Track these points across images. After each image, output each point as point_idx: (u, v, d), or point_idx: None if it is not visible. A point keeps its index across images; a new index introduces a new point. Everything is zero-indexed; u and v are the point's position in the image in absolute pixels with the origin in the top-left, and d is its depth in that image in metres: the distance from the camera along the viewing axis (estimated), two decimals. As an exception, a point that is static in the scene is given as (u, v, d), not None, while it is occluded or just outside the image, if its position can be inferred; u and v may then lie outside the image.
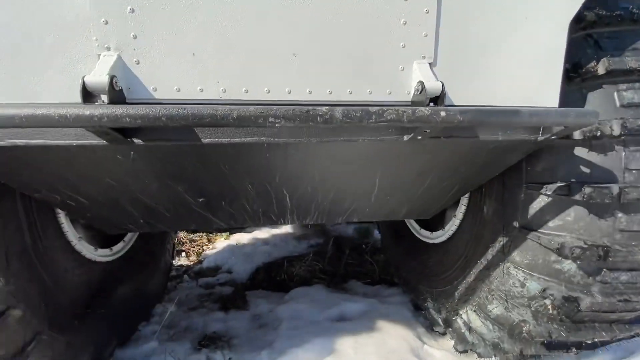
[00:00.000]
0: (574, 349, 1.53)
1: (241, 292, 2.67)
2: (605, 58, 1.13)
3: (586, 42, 1.23)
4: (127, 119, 0.71)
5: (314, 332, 2.00)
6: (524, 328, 1.42)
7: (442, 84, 0.89)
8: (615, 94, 1.16)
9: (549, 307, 1.30)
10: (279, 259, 3.19)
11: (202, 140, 0.89)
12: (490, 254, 1.51)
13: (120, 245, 2.01)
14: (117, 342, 1.84)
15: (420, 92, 0.90)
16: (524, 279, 1.35)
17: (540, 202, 1.26)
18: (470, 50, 0.96)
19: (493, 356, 1.68)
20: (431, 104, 0.92)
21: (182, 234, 4.14)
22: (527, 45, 0.98)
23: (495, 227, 1.47)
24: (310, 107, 0.78)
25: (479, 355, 1.75)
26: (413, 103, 0.94)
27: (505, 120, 0.86)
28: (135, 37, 0.82)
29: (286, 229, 4.52)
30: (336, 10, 0.88)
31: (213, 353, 1.81)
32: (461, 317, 1.78)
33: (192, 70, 0.86)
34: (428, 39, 0.93)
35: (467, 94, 0.97)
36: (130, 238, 2.14)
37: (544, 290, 1.29)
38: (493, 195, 1.47)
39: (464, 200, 1.81)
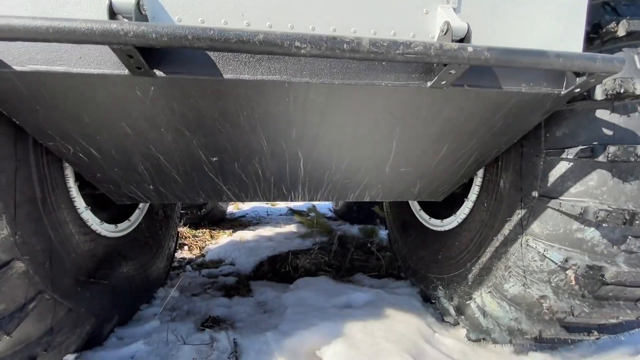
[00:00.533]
0: (595, 333, 1.46)
1: (245, 282, 2.60)
2: (625, 20, 1.13)
3: (604, 9, 1.24)
4: (153, 35, 0.70)
5: (320, 317, 1.93)
6: (544, 305, 1.37)
7: (468, 25, 0.88)
8: (636, 56, 1.15)
9: (572, 279, 1.25)
10: (283, 253, 3.13)
11: (224, 75, 0.87)
12: (507, 229, 1.47)
13: (125, 223, 1.97)
14: (118, 319, 1.77)
15: (446, 33, 0.89)
16: (544, 251, 1.31)
17: (560, 168, 1.24)
18: (493, -2, 0.96)
19: (509, 341, 1.61)
20: (456, 46, 0.90)
21: (185, 230, 4.10)
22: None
23: (512, 200, 1.44)
24: (337, 35, 0.77)
25: (494, 341, 1.68)
26: (438, 45, 0.93)
27: (531, 60, 0.85)
28: (162, -35, 0.82)
29: (290, 227, 4.47)
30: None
31: (217, 333, 1.74)
32: (475, 302, 1.71)
33: (216, 3, 0.85)
34: (452, -16, 0.93)
35: (491, 38, 0.96)
36: (136, 218, 2.11)
37: (566, 260, 1.25)
38: (510, 167, 1.45)
39: (477, 181, 1.78)
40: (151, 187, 1.48)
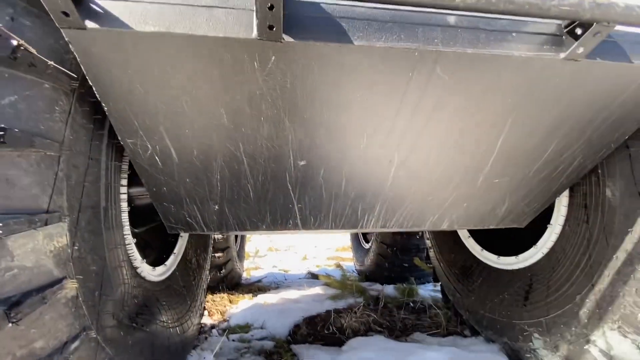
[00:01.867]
0: None
1: (285, 346, 2.20)
2: None
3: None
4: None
5: (396, 382, 1.55)
6: None
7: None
8: None
9: None
10: (322, 313, 2.73)
11: (354, 41, 0.80)
12: (629, 243, 1.26)
13: (162, 268, 1.73)
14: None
15: None
16: (695, 261, 1.09)
17: (691, 160, 1.11)
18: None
19: (657, 397, 1.25)
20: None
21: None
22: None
23: (628, 208, 1.27)
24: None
25: (636, 399, 1.31)
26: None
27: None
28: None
29: (315, 290, 4.04)
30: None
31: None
32: (595, 345, 1.39)
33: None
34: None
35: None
36: (171, 263, 1.87)
37: None
38: (617, 173, 1.31)
39: (563, 201, 1.62)
40: (216, 207, 1.30)
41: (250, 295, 3.84)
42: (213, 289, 3.86)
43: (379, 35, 0.82)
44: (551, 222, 1.70)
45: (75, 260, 0.91)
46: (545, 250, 1.71)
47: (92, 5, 0.73)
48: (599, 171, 1.38)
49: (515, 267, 1.90)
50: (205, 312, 3.13)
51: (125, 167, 1.26)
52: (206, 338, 2.29)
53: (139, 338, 1.26)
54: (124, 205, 1.26)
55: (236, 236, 4.51)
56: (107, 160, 1.05)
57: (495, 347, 1.97)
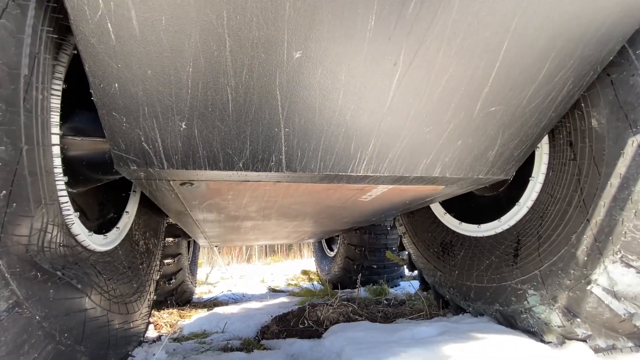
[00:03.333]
0: None
1: (255, 343, 1.84)
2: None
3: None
4: None
5: (394, 353, 1.32)
6: None
7: None
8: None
9: None
10: (294, 310, 2.40)
11: None
12: (621, 166, 1.26)
13: (100, 237, 1.38)
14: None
15: None
16: (690, 168, 1.10)
17: (671, 73, 1.15)
18: None
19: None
20: None
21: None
22: None
23: (616, 132, 1.28)
24: None
25: (645, 333, 1.24)
26: None
27: None
28: None
29: (281, 299, 3.64)
30: None
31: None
32: (597, 284, 1.33)
33: None
34: None
35: None
36: (115, 237, 1.51)
37: None
38: (601, 102, 1.34)
39: (544, 149, 1.63)
40: (183, 125, 1.05)
41: (206, 309, 3.33)
42: (160, 303, 3.28)
43: None
44: (532, 175, 1.70)
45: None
46: (530, 204, 1.68)
47: None
48: (582, 104, 1.41)
49: (500, 229, 1.84)
50: (151, 327, 2.60)
51: (60, 70, 0.96)
52: (154, 341, 1.84)
53: (68, 293, 0.90)
54: (55, 118, 0.95)
55: (188, 244, 3.99)
56: (36, 17, 0.77)
57: (485, 318, 1.84)
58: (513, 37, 1.07)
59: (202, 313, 3.06)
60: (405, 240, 2.77)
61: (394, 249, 3.77)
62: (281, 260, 13.17)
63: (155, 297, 3.01)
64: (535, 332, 1.60)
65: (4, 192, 0.68)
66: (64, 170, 1.00)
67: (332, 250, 4.76)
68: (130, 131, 1.02)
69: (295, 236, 3.89)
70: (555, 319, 1.49)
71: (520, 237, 1.71)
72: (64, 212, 1.03)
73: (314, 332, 1.97)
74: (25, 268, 0.74)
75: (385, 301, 2.96)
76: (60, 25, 0.87)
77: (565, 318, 1.45)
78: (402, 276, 4.05)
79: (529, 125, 1.40)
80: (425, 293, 2.62)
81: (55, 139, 0.92)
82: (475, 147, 1.42)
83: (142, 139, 1.05)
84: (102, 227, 1.56)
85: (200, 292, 5.51)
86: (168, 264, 3.22)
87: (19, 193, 0.72)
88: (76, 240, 1.14)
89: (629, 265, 1.24)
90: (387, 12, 0.92)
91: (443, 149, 1.39)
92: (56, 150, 0.94)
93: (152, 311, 3.09)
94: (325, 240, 5.09)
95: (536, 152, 1.68)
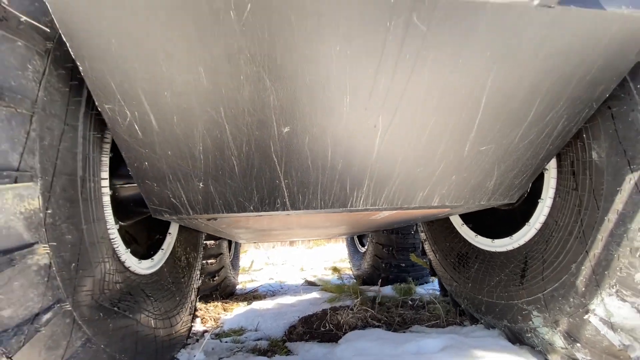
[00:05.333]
0: None
1: (280, 344, 2.11)
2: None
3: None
4: None
5: (395, 367, 1.49)
6: None
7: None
8: None
9: None
10: (318, 312, 2.65)
11: (329, -12, 0.81)
12: (619, 202, 1.25)
13: (148, 262, 1.68)
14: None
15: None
16: (685, 211, 1.08)
17: (671, 112, 1.12)
18: None
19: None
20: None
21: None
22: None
23: (615, 168, 1.27)
24: None
25: (641, 365, 1.27)
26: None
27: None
28: None
29: (313, 295, 3.93)
30: None
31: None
32: (595, 314, 1.36)
33: None
34: None
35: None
36: (159, 259, 1.82)
37: None
38: (601, 135, 1.32)
39: (552, 173, 1.62)
40: (201, 185, 1.27)
41: (245, 302, 3.73)
42: (207, 297, 3.74)
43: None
44: (542, 196, 1.70)
45: (49, 226, 0.87)
46: (538, 226, 1.69)
47: (63, -47, 0.72)
48: (584, 135, 1.39)
49: (510, 247, 1.87)
50: (198, 320, 3.02)
51: (107, 147, 1.23)
52: (197, 340, 2.20)
53: (121, 324, 1.19)
54: (105, 184, 1.22)
55: (229, 244, 4.42)
56: (84, 130, 1.02)
57: (495, 332, 1.91)
58: (491, 90, 1.12)
59: (242, 307, 3.44)
60: (426, 247, 2.84)
61: (421, 248, 3.84)
62: (323, 244, 13.51)
63: (198, 298, 3.45)
64: (541, 351, 1.65)
65: (73, 264, 0.95)
66: (115, 212, 1.29)
67: (363, 245, 4.92)
68: (160, 192, 1.27)
69: (325, 235, 4.11)
70: (558, 341, 1.53)
71: (528, 258, 1.73)
72: (118, 252, 1.32)
73: (333, 335, 2.19)
74: (92, 313, 1.03)
75: (410, 302, 3.09)
76: (102, 122, 1.12)
77: (567, 342, 1.49)
78: (434, 274, 4.10)
79: (527, 158, 1.43)
80: (446, 298, 2.70)
81: (108, 210, 1.20)
82: (471, 179, 1.48)
83: (171, 196, 1.30)
84: (149, 249, 1.89)
85: (245, 280, 6.04)
86: (211, 264, 3.65)
87: (84, 261, 1.00)
88: (129, 271, 1.44)
89: (624, 300, 1.26)
90: (359, 91, 1.04)
91: (438, 182, 1.47)
92: (110, 218, 1.22)
93: (200, 304, 3.55)
94: (357, 235, 5.26)
95: (545, 175, 1.67)
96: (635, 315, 1.24)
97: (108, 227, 1.24)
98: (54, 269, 0.88)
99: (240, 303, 3.72)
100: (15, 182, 0.78)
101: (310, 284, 4.96)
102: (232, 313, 3.27)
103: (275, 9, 0.83)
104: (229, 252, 4.31)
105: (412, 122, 1.18)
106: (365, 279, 4.50)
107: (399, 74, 1.02)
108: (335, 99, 1.05)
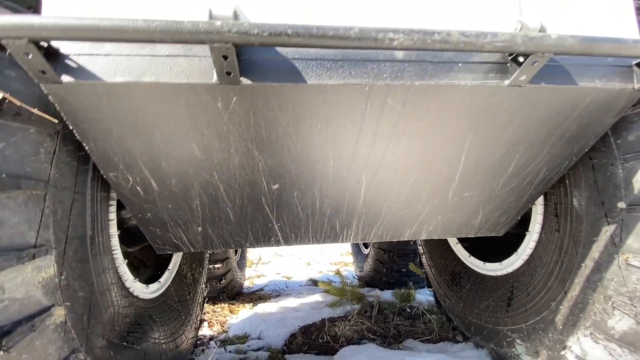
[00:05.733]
0: None
1: (280, 357, 2.25)
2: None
3: None
4: (255, 31, 0.72)
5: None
6: (672, 339, 1.13)
7: (541, 22, 0.92)
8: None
9: (701, 298, 1.06)
10: (317, 322, 2.79)
11: (307, 81, 0.87)
12: (595, 251, 1.31)
13: (156, 285, 1.81)
14: (145, 400, 1.47)
15: (521, 29, 0.92)
16: (654, 268, 1.14)
17: (646, 171, 1.15)
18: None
19: (631, 400, 1.29)
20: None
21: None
22: None
23: (594, 217, 1.31)
24: (428, 28, 0.79)
25: (611, 403, 1.34)
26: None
27: (613, 46, 0.86)
28: (251, -10, 0.90)
29: (315, 297, 4.09)
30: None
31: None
32: (571, 351, 1.43)
33: (303, 8, 0.91)
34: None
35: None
36: (166, 279, 1.94)
37: (687, 276, 1.07)
38: (582, 183, 1.36)
39: (538, 209, 1.67)
40: (199, 229, 1.38)
41: (251, 304, 3.91)
42: (214, 299, 3.94)
43: (331, 73, 0.89)
44: (529, 229, 1.75)
45: (63, 288, 0.99)
46: (525, 257, 1.75)
47: (66, 61, 0.81)
48: (566, 181, 1.43)
49: (499, 273, 1.94)
50: (205, 324, 3.20)
51: (113, 194, 1.34)
52: (203, 350, 2.36)
53: (131, 356, 1.33)
54: (113, 230, 1.34)
55: (236, 246, 4.59)
56: (92, 192, 1.13)
57: (483, 352, 2.01)
58: (470, 150, 1.18)
59: (247, 310, 3.62)
60: (423, 260, 2.92)
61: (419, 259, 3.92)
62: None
63: (206, 300, 3.60)
64: (523, 375, 1.74)
65: (85, 316, 1.07)
66: (122, 241, 1.41)
67: (366, 247, 5.03)
68: (163, 235, 1.39)
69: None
70: (538, 369, 1.62)
71: (514, 287, 1.80)
72: (126, 286, 1.45)
73: (330, 348, 2.32)
74: (103, 353, 1.16)
75: (408, 309, 3.20)
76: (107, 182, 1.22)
77: (546, 372, 1.58)
78: (430, 286, 4.20)
79: (510, 200, 1.48)
80: (440, 311, 2.79)
81: (117, 251, 1.31)
82: (457, 218, 1.55)
83: (172, 238, 1.41)
84: (157, 269, 2.03)
85: (252, 276, 6.26)
86: (218, 268, 3.82)
87: (95, 310, 1.12)
88: (137, 299, 1.57)
89: (597, 342, 1.33)
90: (341, 157, 1.11)
91: (425, 221, 1.55)
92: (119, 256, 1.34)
93: (208, 306, 3.74)
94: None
95: (533, 209, 1.72)
96: (608, 357, 1.31)
97: (117, 265, 1.37)
98: (69, 324, 1.00)
99: (246, 305, 3.90)
100: (34, 258, 0.89)
101: (314, 284, 5.12)
102: (238, 316, 3.44)
103: (258, 100, 0.90)
104: (236, 255, 4.48)
105: (394, 177, 1.25)
106: (368, 281, 4.63)
107: (378, 143, 1.08)
108: (320, 163, 1.13)
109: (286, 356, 2.25)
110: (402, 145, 1.11)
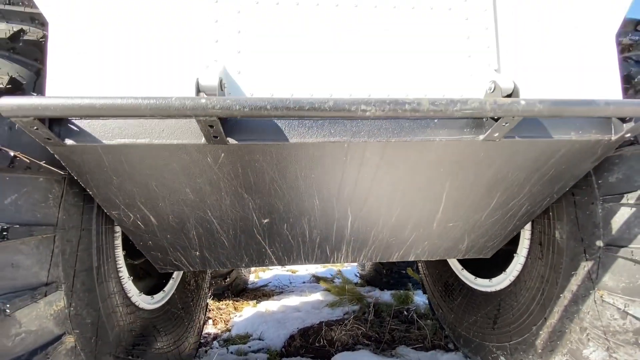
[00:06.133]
0: None
1: (278, 359, 2.39)
2: (654, 71, 1.20)
3: (628, 63, 1.32)
4: (237, 107, 0.78)
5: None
6: (639, 374, 1.19)
7: (514, 82, 0.95)
8: (675, 102, 1.19)
9: (667, 339, 1.11)
10: (315, 324, 2.92)
11: (290, 140, 0.94)
12: (574, 284, 1.36)
13: (160, 294, 1.93)
14: (150, 405, 1.61)
15: (493, 91, 0.96)
16: (625, 307, 1.18)
17: (623, 214, 1.19)
18: (532, 56, 1.05)
19: None
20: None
21: (208, 301, 3.92)
22: (578, 50, 1.06)
23: (574, 252, 1.36)
24: (399, 97, 0.84)
25: None
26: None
27: (582, 109, 0.89)
28: (239, 52, 0.96)
29: (316, 296, 4.23)
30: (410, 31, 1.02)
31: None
32: (549, 374, 1.50)
33: (284, 79, 0.96)
34: (491, 50, 1.03)
35: (533, 94, 1.02)
36: (170, 288, 2.07)
37: (655, 317, 1.12)
38: (564, 218, 1.40)
39: (526, 234, 1.71)
40: (197, 253, 1.48)
41: (254, 302, 4.07)
42: (219, 296, 4.11)
43: (312, 132, 0.95)
44: (517, 252, 1.79)
45: (72, 317, 1.10)
46: (512, 278, 1.81)
47: (69, 125, 0.89)
48: (550, 213, 1.47)
49: (489, 289, 2.00)
50: (210, 321, 3.37)
51: (118, 227, 1.44)
52: (206, 351, 2.51)
53: (135, 368, 1.46)
54: (120, 252, 1.45)
55: (241, 245, 4.74)
56: (97, 227, 1.23)
57: (471, 364, 2.09)
58: (450, 190, 1.23)
59: (250, 308, 3.78)
60: (420, 267, 3.00)
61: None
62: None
63: (211, 297, 3.76)
64: (506, 390, 1.83)
65: (93, 338, 1.19)
66: (127, 254, 1.52)
67: (368, 246, 5.12)
68: (164, 259, 1.49)
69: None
70: (520, 386, 1.70)
71: (501, 306, 1.86)
72: (132, 301, 1.57)
73: (326, 352, 2.44)
74: (109, 369, 1.28)
75: (405, 312, 3.30)
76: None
77: (526, 389, 1.65)
78: (422, 290, 4.27)
79: (495, 229, 1.53)
80: (434, 317, 2.88)
81: (123, 270, 1.43)
82: (443, 243, 1.61)
83: (173, 260, 1.52)
84: (161, 278, 2.15)
85: (257, 269, 6.45)
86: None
87: (103, 332, 1.24)
88: (142, 310, 1.70)
89: (572, 369, 1.39)
90: (327, 196, 1.18)
91: (412, 245, 1.61)
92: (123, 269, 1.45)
93: (213, 303, 3.91)
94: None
95: (521, 233, 1.76)
96: (582, 383, 1.38)
97: (124, 285, 1.48)
98: (78, 347, 1.12)
99: (250, 302, 4.06)
100: (45, 295, 1.00)
101: (317, 280, 5.27)
102: (242, 314, 3.61)
103: (245, 155, 0.97)
104: (241, 252, 4.63)
105: (379, 211, 1.31)
106: (369, 280, 4.74)
107: (360, 187, 1.15)
108: (306, 200, 1.20)
109: (283, 359, 2.38)
110: (384, 187, 1.17)
